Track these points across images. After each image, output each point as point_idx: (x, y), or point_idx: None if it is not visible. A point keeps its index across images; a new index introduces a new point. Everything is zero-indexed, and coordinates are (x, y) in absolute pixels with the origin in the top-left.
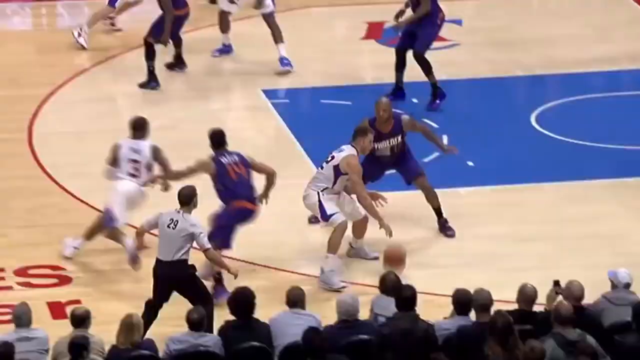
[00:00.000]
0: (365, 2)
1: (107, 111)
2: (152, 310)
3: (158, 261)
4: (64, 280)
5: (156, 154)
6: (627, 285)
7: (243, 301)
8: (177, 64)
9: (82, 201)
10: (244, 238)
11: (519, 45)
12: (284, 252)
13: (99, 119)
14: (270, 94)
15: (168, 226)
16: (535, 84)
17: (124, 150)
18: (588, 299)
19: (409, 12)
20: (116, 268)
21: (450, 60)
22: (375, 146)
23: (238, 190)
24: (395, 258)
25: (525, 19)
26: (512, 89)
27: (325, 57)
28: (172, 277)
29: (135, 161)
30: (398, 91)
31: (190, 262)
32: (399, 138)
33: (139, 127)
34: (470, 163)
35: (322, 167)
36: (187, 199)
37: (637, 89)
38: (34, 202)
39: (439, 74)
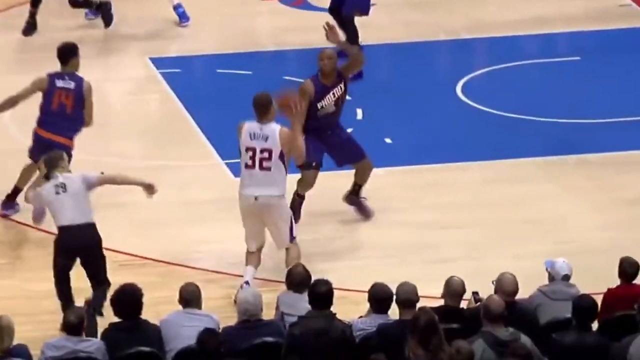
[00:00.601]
0: None
1: None
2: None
3: (63, 229)
4: None
5: None
6: (566, 277)
7: (129, 300)
8: (31, 28)
9: None
10: (132, 227)
11: (442, 5)
12: (178, 244)
13: None
14: (159, 62)
15: (57, 193)
16: (461, 49)
17: None
18: (522, 293)
19: None
20: None
21: (365, 22)
22: (319, 106)
23: (49, 119)
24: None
25: None
26: (435, 55)
27: (221, 20)
28: (82, 243)
29: None
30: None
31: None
32: (342, 86)
33: None
34: (388, 140)
35: (269, 169)
36: (55, 161)
37: (573, 54)
38: None
39: None
